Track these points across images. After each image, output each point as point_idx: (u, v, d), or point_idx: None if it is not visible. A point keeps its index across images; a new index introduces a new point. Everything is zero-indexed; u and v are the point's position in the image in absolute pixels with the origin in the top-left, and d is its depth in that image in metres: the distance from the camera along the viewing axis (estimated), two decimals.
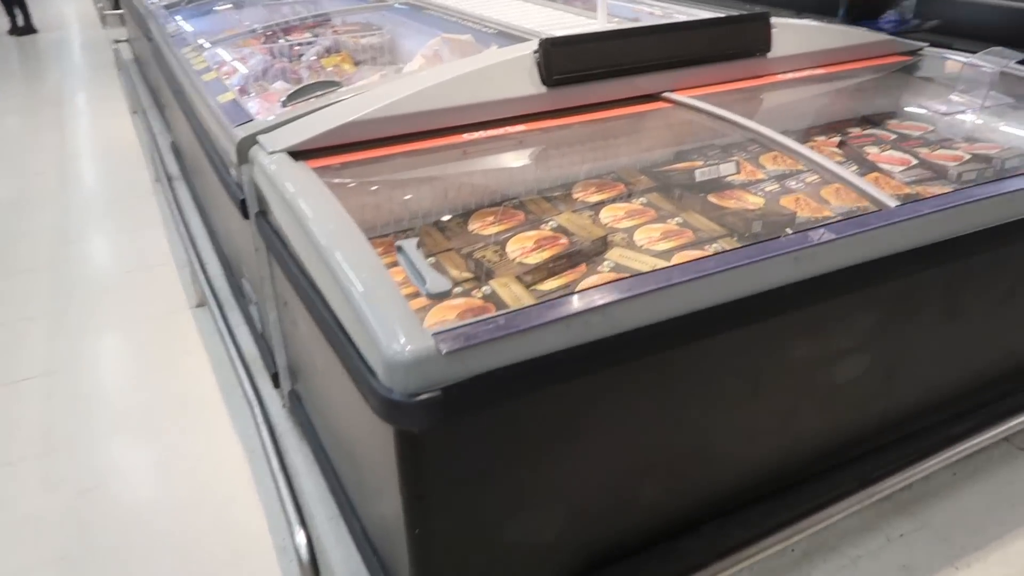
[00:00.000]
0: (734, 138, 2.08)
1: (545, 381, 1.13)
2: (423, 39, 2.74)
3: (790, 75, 2.13)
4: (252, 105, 2.07)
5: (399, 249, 1.25)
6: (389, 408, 1.04)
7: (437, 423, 1.05)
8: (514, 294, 1.48)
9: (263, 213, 1.70)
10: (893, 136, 2.21)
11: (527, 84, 1.81)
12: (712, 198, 1.84)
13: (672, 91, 1.98)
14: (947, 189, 1.88)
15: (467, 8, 2.66)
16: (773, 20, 2.06)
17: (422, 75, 1.80)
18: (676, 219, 1.78)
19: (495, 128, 1.80)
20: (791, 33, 2.10)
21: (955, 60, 2.20)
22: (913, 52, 2.33)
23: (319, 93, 1.85)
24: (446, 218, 1.85)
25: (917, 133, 2.22)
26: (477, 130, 1.78)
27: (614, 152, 2.01)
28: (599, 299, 1.15)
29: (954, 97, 1.98)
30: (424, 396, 1.03)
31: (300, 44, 2.92)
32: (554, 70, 1.82)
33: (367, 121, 1.66)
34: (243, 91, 2.40)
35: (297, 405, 1.88)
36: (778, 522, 1.47)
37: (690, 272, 1.22)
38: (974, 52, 2.30)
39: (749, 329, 1.28)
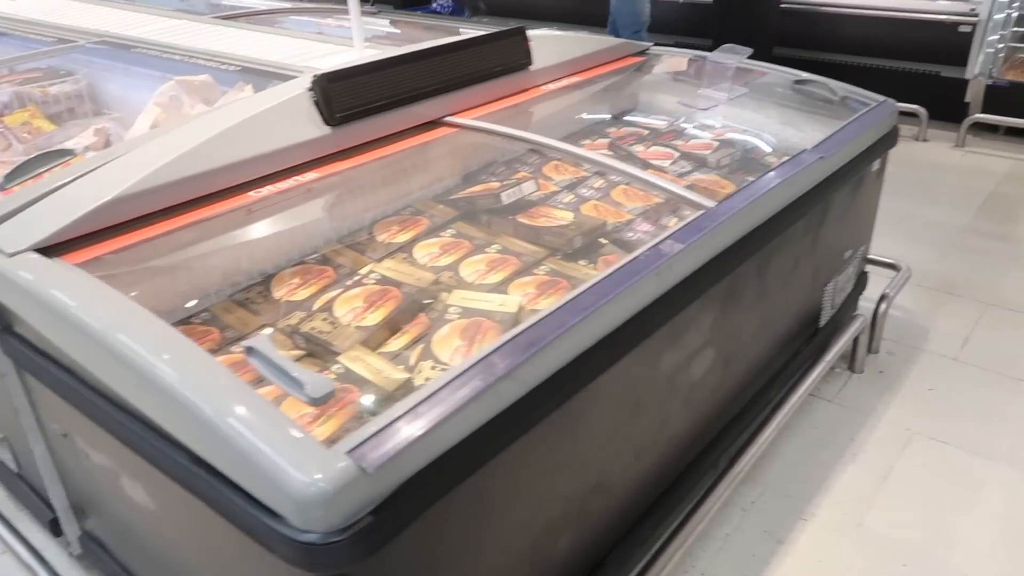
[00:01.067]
0: (517, 153, 2.07)
1: (465, 466, 1.00)
2: (134, 82, 2.37)
3: (551, 85, 2.17)
4: None
5: (250, 352, 1.03)
6: (310, 554, 0.85)
7: (372, 552, 0.88)
8: (372, 366, 1.31)
9: (8, 330, 1.33)
10: (646, 132, 2.36)
11: (308, 126, 1.62)
12: (521, 219, 1.81)
13: (451, 115, 1.91)
14: (712, 176, 2.05)
15: (179, 42, 2.34)
16: (529, 32, 2.08)
17: (182, 132, 1.52)
18: (494, 246, 1.71)
19: (280, 179, 1.59)
20: (546, 44, 2.13)
21: (683, 57, 2.41)
22: (643, 52, 2.51)
23: (49, 166, 1.48)
24: (243, 289, 1.60)
25: (665, 127, 2.39)
26: (261, 185, 1.56)
27: (407, 186, 1.89)
28: (503, 362, 1.05)
29: (705, 91, 2.16)
30: (355, 527, 0.85)
31: None
32: (336, 108, 1.65)
33: (131, 196, 1.36)
34: None
35: (97, 549, 1.51)
36: (669, 530, 1.48)
37: (579, 309, 1.16)
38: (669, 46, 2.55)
39: (631, 352, 1.26)
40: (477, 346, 1.36)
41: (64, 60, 2.50)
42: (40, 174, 1.46)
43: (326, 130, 1.64)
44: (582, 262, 1.67)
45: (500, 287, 1.57)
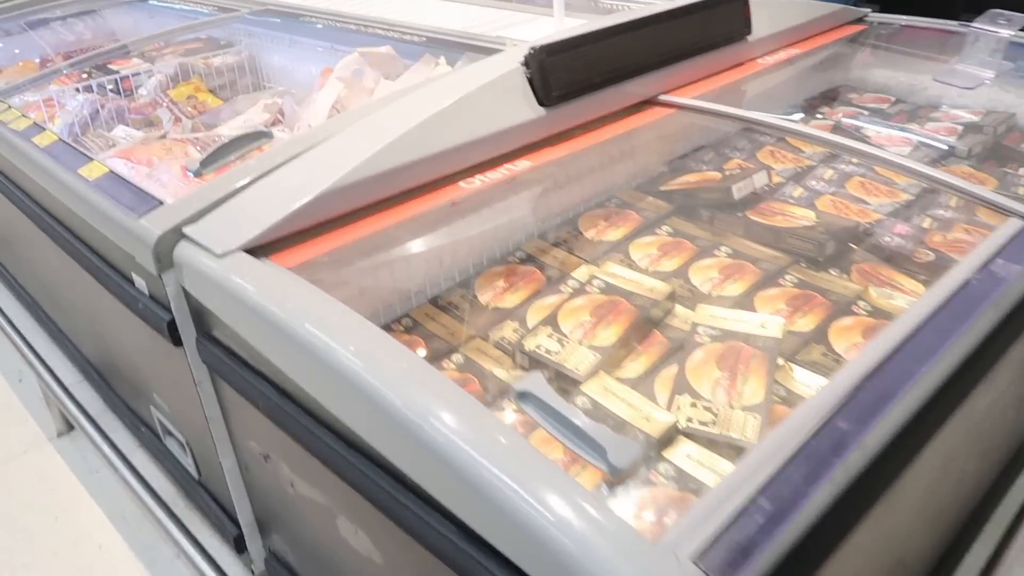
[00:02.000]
0: (727, 136, 1.81)
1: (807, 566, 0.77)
2: (298, 53, 2.23)
3: (769, 58, 1.88)
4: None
5: (524, 397, 0.83)
6: None
7: None
8: (626, 401, 1.09)
9: (207, 335, 1.18)
10: (873, 112, 2.04)
11: (522, 107, 1.41)
12: (753, 216, 1.55)
13: (665, 93, 1.65)
14: (963, 168, 1.73)
15: (348, 10, 2.17)
16: None
17: (387, 114, 1.34)
18: (723, 249, 1.47)
19: (490, 168, 1.38)
20: (765, 11, 1.84)
21: (930, 28, 2.07)
22: (860, 20, 2.17)
23: (244, 150, 1.33)
24: (443, 292, 1.41)
25: (895, 108, 2.06)
26: (471, 174, 1.36)
27: (612, 174, 1.66)
28: (847, 424, 0.81)
29: (961, 67, 1.83)
30: None
31: (131, 74, 2.27)
32: (553, 86, 1.42)
33: (343, 188, 1.18)
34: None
35: (283, 571, 1.38)
36: None
37: (921, 352, 0.90)
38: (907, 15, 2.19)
39: (964, 401, 0.99)
40: (742, 379, 1.13)
41: (224, 30, 2.38)
42: (234, 160, 1.30)
43: (540, 111, 1.43)
44: (833, 272, 1.41)
45: (743, 300, 1.33)
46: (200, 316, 1.19)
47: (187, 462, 1.53)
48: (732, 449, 1.04)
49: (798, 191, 1.67)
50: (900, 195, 1.65)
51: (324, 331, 0.93)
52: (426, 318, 1.36)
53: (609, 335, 1.24)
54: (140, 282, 1.25)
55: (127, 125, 2.16)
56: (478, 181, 1.34)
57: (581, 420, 0.77)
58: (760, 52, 1.86)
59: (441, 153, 1.29)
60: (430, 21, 1.95)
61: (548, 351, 1.21)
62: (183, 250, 1.14)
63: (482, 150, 1.36)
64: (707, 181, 1.66)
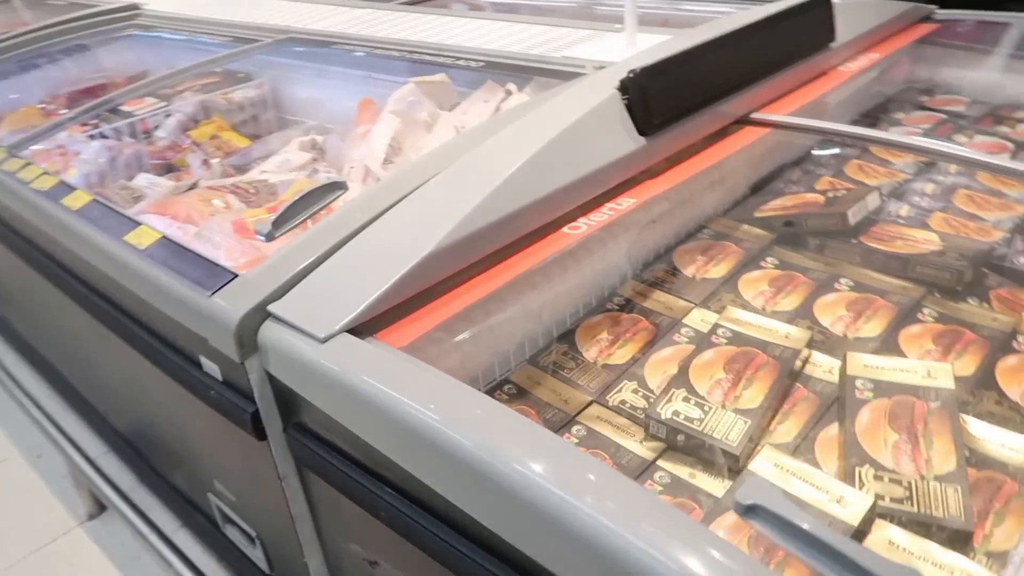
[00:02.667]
0: (816, 153, 1.67)
1: None
2: (327, 84, 2.07)
3: (851, 65, 1.74)
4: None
5: (752, 512, 0.67)
6: None
7: None
8: (813, 483, 0.93)
9: (299, 426, 1.02)
10: (961, 120, 1.90)
11: (622, 138, 1.25)
12: (869, 242, 1.40)
13: (757, 110, 1.51)
14: None
15: (384, 34, 2.02)
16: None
17: (487, 152, 1.18)
18: (843, 281, 1.32)
19: (593, 209, 1.23)
20: (846, 15, 1.70)
21: (1001, 22, 1.94)
22: (928, 18, 2.04)
23: (320, 207, 1.16)
24: (542, 350, 1.26)
25: (960, 108, 1.93)
26: (574, 217, 1.20)
27: (703, 202, 1.51)
28: None
29: None
30: None
31: (147, 114, 2.10)
32: (654, 112, 1.27)
33: (449, 247, 1.02)
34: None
35: None
36: None
37: None
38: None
39: None
40: (925, 442, 0.98)
41: (244, 63, 2.21)
42: (307, 219, 1.14)
43: (640, 141, 1.27)
44: (972, 301, 1.27)
45: (887, 342, 1.18)
46: (289, 405, 1.02)
47: (255, 555, 1.36)
48: (940, 531, 0.89)
49: (904, 209, 1.53)
50: (1016, 207, 1.51)
51: (468, 426, 0.77)
52: (531, 383, 1.20)
53: (753, 395, 1.08)
54: (211, 366, 1.08)
55: (147, 172, 1.99)
56: (583, 225, 1.18)
57: (851, 548, 0.61)
58: (841, 59, 1.72)
59: (549, 196, 1.14)
60: (476, 43, 1.79)
61: (689, 419, 1.05)
62: (271, 332, 0.97)
63: (585, 189, 1.20)
64: (809, 205, 1.51)
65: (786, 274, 1.37)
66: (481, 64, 1.65)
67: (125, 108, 2.19)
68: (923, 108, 1.96)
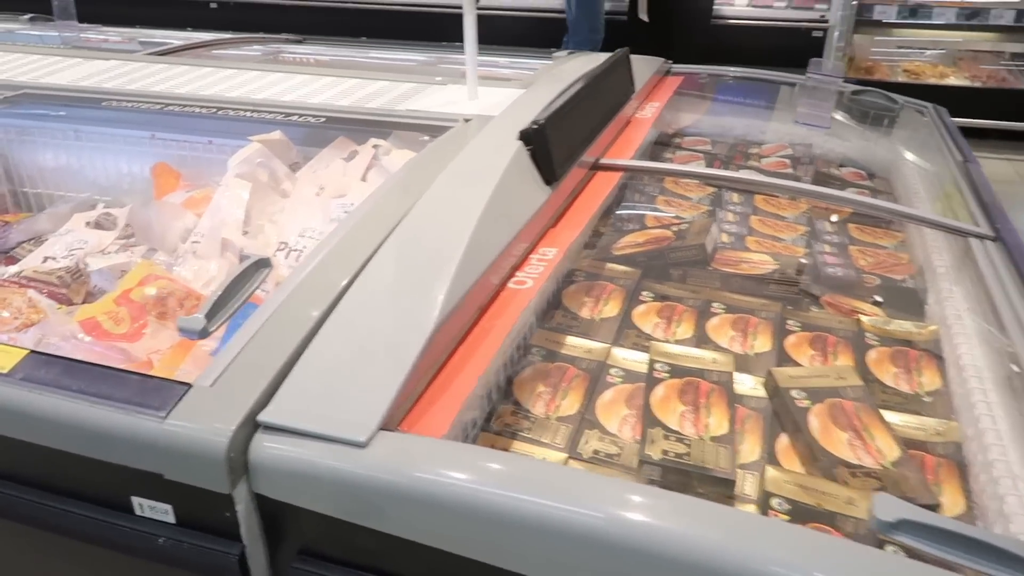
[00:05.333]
0: (627, 190, 1.83)
1: None
2: (87, 148, 1.76)
3: (645, 112, 1.94)
4: None
5: (897, 527, 0.71)
6: None
7: None
8: (826, 492, 1.01)
9: (311, 553, 0.84)
10: (705, 154, 2.21)
11: (533, 188, 1.25)
12: (721, 267, 1.57)
13: (603, 156, 1.61)
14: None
15: (159, 88, 1.75)
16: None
17: (426, 217, 1.09)
18: (717, 305, 1.47)
19: (524, 264, 1.21)
20: (637, 67, 1.89)
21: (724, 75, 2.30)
22: (668, 71, 2.36)
23: (251, 290, 0.97)
24: (492, 413, 1.20)
25: (706, 147, 2.25)
26: (511, 274, 1.17)
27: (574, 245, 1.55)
28: None
29: (808, 111, 2.05)
30: None
31: None
32: (556, 162, 1.29)
33: (446, 318, 0.93)
34: None
35: None
36: None
37: None
38: None
39: None
40: (867, 434, 1.13)
41: None
42: (239, 304, 0.95)
43: (546, 191, 1.28)
44: (814, 309, 1.49)
45: (781, 356, 1.34)
46: (280, 534, 0.84)
47: None
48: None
49: (723, 236, 1.74)
50: (797, 227, 1.81)
51: (641, 520, 0.71)
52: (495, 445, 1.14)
53: (718, 421, 1.15)
54: (156, 508, 0.84)
55: None
56: (528, 280, 1.16)
57: (1012, 544, 0.69)
58: (634, 108, 1.91)
59: (503, 254, 1.09)
60: (291, 97, 1.65)
61: (679, 455, 1.08)
62: (268, 447, 0.79)
63: (519, 244, 1.18)
64: (661, 240, 1.65)
65: (667, 305, 1.48)
66: (319, 119, 1.53)
67: None
68: (681, 148, 2.26)
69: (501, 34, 2.96)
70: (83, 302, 1.34)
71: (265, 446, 0.80)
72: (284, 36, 2.68)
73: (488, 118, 1.44)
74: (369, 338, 0.90)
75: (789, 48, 4.34)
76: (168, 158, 1.69)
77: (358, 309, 0.94)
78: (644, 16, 4.15)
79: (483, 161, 1.21)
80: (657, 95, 2.10)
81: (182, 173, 1.63)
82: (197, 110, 1.62)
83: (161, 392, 0.84)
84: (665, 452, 1.08)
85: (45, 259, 1.43)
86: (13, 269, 1.42)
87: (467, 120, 1.45)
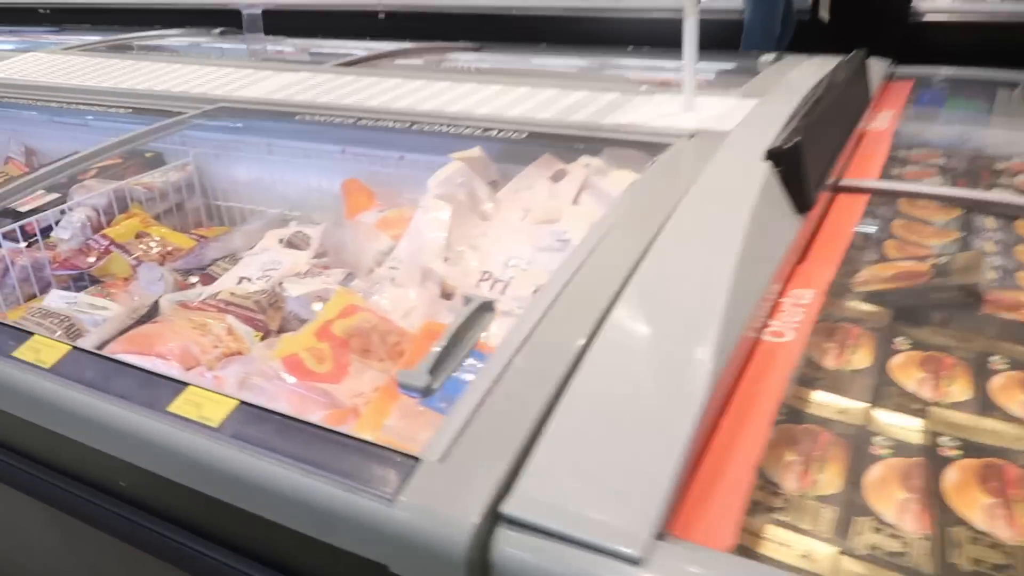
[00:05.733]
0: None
1: None
2: (278, 161, 1.71)
3: (878, 124, 1.68)
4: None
5: None
6: None
7: None
8: None
9: None
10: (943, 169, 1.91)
11: (784, 218, 1.05)
12: (996, 312, 1.30)
13: (843, 177, 1.38)
14: None
15: (349, 101, 1.68)
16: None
17: (673, 252, 0.92)
18: (996, 359, 1.20)
19: (777, 311, 1.01)
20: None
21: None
22: (891, 75, 2.07)
23: (474, 340, 0.84)
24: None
25: (940, 161, 1.95)
26: (765, 324, 0.98)
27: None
28: None
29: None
30: None
31: (36, 212, 1.59)
32: (809, 187, 1.09)
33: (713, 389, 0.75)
34: None
35: None
36: None
37: None
38: None
39: None
40: None
41: (165, 139, 1.77)
42: (463, 356, 0.82)
43: (798, 221, 1.08)
44: None
45: None
46: None
47: None
48: None
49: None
50: None
51: None
52: (754, 539, 0.94)
53: None
54: None
55: (56, 285, 1.50)
56: (788, 332, 0.96)
57: None
58: (868, 120, 1.66)
59: (760, 299, 0.90)
60: (486, 110, 1.53)
61: (997, 567, 0.85)
62: (516, 548, 0.64)
63: (773, 287, 0.98)
64: (914, 275, 1.39)
65: (930, 356, 1.22)
66: (520, 134, 1.39)
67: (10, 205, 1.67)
68: (910, 163, 1.96)
69: (623, 37, 2.74)
70: (278, 329, 1.27)
71: (512, 549, 0.65)
72: (461, 44, 2.60)
73: (715, 134, 1.26)
74: (624, 409, 0.74)
75: (1005, 45, 3.85)
76: (359, 174, 1.61)
77: (605, 370, 0.78)
78: (825, 15, 3.79)
79: (727, 186, 1.03)
80: (887, 102, 1.82)
81: (373, 190, 1.55)
82: (390, 124, 1.53)
83: (385, 464, 0.71)
84: (978, 562, 0.85)
85: (240, 279, 1.37)
86: (210, 289, 1.37)
87: (690, 136, 1.27)
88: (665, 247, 0.92)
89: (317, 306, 1.23)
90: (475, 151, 1.35)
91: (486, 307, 0.86)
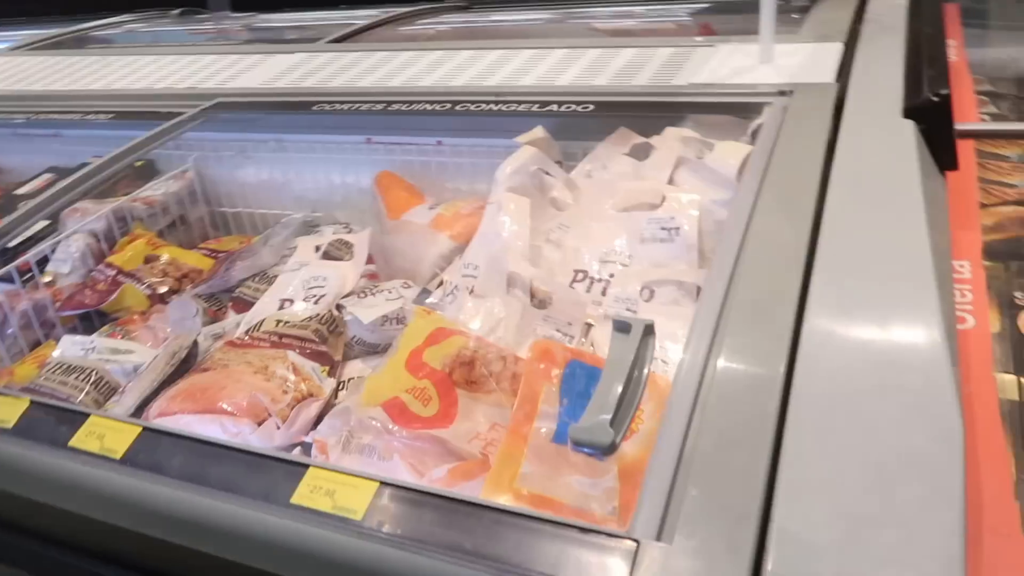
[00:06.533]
0: None
1: None
2: (289, 158, 1.53)
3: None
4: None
5: None
6: None
7: None
8: None
9: None
10: None
11: (935, 186, 0.92)
12: None
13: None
14: None
15: (366, 83, 1.50)
16: None
17: (856, 238, 0.78)
18: None
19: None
20: None
21: None
22: None
23: (642, 384, 0.69)
24: None
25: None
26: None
27: None
28: None
29: None
30: None
31: (25, 245, 1.38)
32: (951, 144, 0.96)
33: None
34: None
35: None
36: None
37: None
38: None
39: None
40: None
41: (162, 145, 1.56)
42: (638, 395, 0.68)
43: (942, 182, 0.95)
44: None
45: None
46: None
47: None
48: None
49: None
50: None
51: None
52: None
53: None
54: None
55: (64, 329, 1.31)
56: (969, 319, 0.84)
57: None
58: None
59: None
60: (529, 80, 1.36)
61: None
62: None
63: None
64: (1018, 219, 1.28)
65: None
66: (584, 106, 1.23)
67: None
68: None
69: None
70: (342, 358, 1.11)
71: None
72: (449, 3, 2.40)
73: (815, 87, 1.11)
74: (865, 442, 0.60)
75: None
76: (389, 165, 1.44)
77: (824, 393, 0.64)
78: None
79: (876, 150, 0.89)
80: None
81: (411, 183, 1.38)
82: (426, 106, 1.35)
83: (592, 551, 0.57)
84: None
85: (282, 303, 1.20)
86: (247, 317, 1.20)
87: (784, 93, 1.13)
88: (837, 229, 0.79)
89: (388, 328, 1.08)
90: (538, 131, 1.19)
91: (649, 331, 0.71)
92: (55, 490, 0.77)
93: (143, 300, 1.33)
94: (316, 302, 1.18)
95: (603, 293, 1.03)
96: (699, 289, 0.97)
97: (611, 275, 1.03)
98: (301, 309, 1.17)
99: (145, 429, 0.77)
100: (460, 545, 0.61)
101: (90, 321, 1.39)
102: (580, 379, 0.86)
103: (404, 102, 1.37)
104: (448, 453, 0.85)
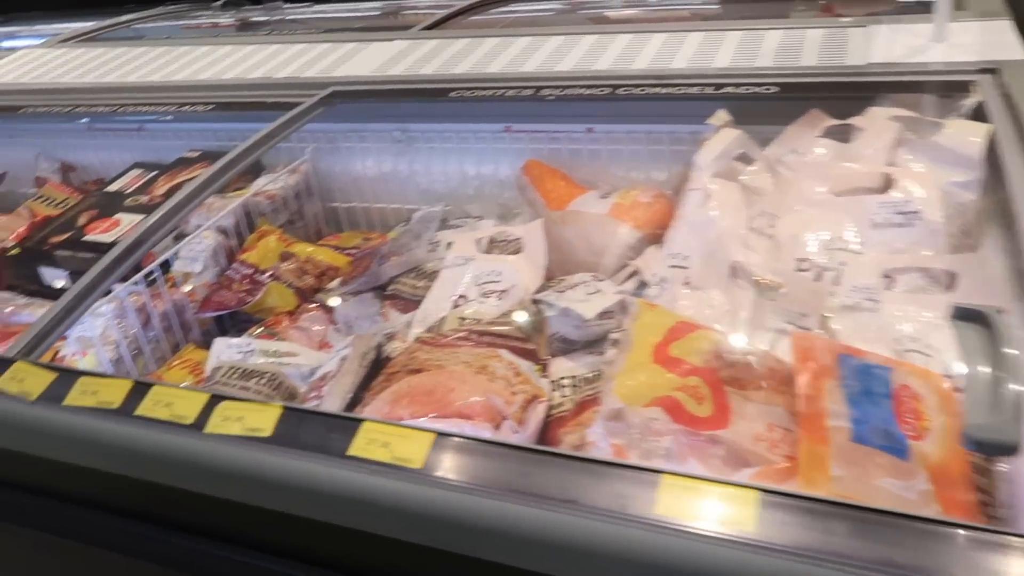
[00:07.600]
0: None
1: None
2: (412, 149, 1.47)
3: None
4: None
5: None
6: None
7: None
8: None
9: None
10: None
11: None
12: None
13: None
14: None
15: (498, 69, 1.43)
16: None
17: None
18: None
19: None
20: None
21: None
22: None
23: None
24: None
25: None
26: None
27: None
28: None
29: None
30: None
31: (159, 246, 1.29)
32: None
33: None
34: None
35: None
36: None
37: None
38: None
39: None
40: None
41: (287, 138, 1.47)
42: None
43: None
44: None
45: None
46: None
47: None
48: None
49: None
50: None
51: None
52: None
53: None
54: None
55: (200, 331, 1.23)
56: None
57: None
58: None
59: None
60: (681, 63, 1.31)
61: None
62: None
63: None
64: None
65: None
66: (765, 87, 1.18)
67: (92, 236, 1.37)
68: None
69: None
70: (550, 355, 1.04)
71: None
72: None
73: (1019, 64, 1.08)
74: None
75: None
76: (533, 154, 1.37)
77: None
78: None
79: None
80: None
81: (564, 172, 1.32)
82: (579, 90, 1.29)
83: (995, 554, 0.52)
84: None
85: (455, 300, 1.13)
86: (418, 315, 1.13)
87: (985, 71, 1.09)
88: None
89: (601, 324, 1.01)
90: (722, 114, 1.13)
91: (1001, 317, 0.67)
92: (340, 505, 0.70)
93: (291, 299, 1.25)
94: (499, 298, 1.11)
95: (835, 282, 0.98)
96: (951, 275, 0.92)
97: (842, 263, 0.98)
98: (484, 306, 1.11)
99: (440, 435, 0.70)
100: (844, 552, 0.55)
101: (221, 322, 1.31)
102: (859, 374, 0.82)
103: (555, 87, 1.31)
104: (732, 457, 0.80)
